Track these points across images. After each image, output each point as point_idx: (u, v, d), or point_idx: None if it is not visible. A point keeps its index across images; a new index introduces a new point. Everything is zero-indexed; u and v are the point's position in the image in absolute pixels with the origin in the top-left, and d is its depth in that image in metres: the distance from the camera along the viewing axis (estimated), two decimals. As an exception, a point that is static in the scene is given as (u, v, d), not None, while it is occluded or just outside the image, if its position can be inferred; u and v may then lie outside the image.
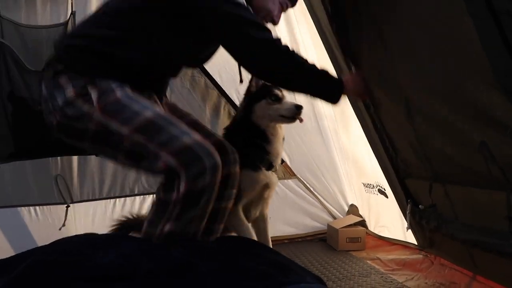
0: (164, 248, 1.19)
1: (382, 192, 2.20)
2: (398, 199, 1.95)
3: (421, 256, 2.02)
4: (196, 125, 1.52)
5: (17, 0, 2.17)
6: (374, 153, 2.00)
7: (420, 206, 1.50)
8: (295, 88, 1.46)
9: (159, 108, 1.37)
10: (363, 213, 2.65)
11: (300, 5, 2.24)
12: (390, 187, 2.02)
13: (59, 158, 2.30)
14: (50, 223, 2.34)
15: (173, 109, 1.57)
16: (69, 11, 2.17)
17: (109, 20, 1.35)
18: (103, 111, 1.27)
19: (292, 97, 1.83)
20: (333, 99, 1.41)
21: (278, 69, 1.36)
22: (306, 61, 1.37)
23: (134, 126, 1.26)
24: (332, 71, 2.07)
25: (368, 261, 2.18)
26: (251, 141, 1.72)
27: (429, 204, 1.41)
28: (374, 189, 2.36)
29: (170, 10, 1.33)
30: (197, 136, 1.29)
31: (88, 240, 1.31)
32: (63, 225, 2.31)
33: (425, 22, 1.15)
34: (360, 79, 1.50)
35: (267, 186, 1.77)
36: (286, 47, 1.36)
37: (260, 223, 1.85)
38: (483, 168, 1.16)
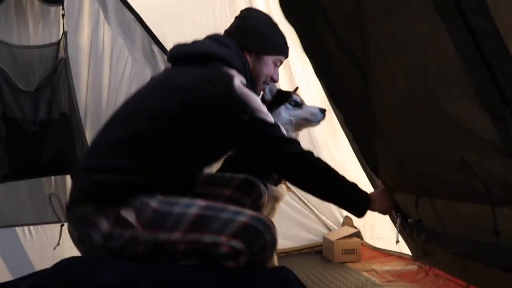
0: (165, 266, 1.20)
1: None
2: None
3: (416, 267, 2.03)
4: (214, 177, 1.57)
5: (9, 21, 2.18)
6: (361, 166, 2.01)
7: (409, 220, 1.50)
8: (320, 195, 1.47)
9: (199, 199, 1.30)
10: (357, 224, 2.65)
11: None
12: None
13: (52, 177, 2.29)
14: (44, 242, 2.32)
15: (206, 180, 1.58)
16: (61, 31, 2.20)
17: (128, 149, 1.28)
18: (146, 228, 1.21)
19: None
20: (358, 214, 1.43)
21: (306, 180, 1.39)
22: (334, 173, 1.38)
23: (184, 228, 1.21)
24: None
25: (364, 273, 2.18)
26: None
27: (416, 218, 1.42)
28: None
29: (202, 123, 1.31)
30: (249, 212, 1.27)
31: (90, 260, 1.30)
32: (58, 244, 2.29)
33: (403, 42, 1.17)
34: (388, 196, 1.48)
35: (275, 198, 1.80)
36: (315, 158, 1.37)
37: None
38: (466, 183, 1.17)
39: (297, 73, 2.53)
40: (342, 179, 1.39)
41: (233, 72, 1.36)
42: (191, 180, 1.44)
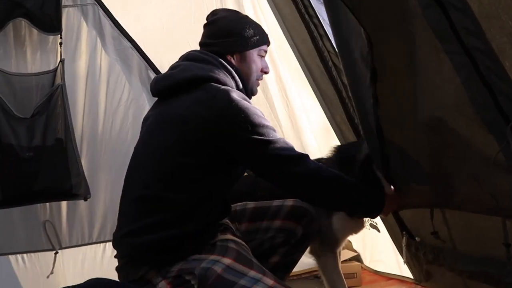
0: None
1: (374, 226, 2.20)
2: (391, 232, 1.94)
3: (418, 290, 1.99)
4: (256, 211, 1.52)
5: (7, 50, 2.20)
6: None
7: (416, 238, 1.50)
8: (337, 208, 1.48)
9: (269, 277, 1.25)
10: (357, 247, 2.62)
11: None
12: (382, 220, 2.02)
13: (47, 203, 2.26)
14: (38, 271, 2.26)
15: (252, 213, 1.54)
16: (58, 59, 2.21)
17: (155, 202, 1.29)
18: None
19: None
20: (374, 215, 1.45)
21: (320, 197, 1.37)
22: (347, 182, 1.36)
23: None
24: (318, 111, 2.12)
25: (365, 298, 2.14)
26: None
27: (431, 231, 1.40)
28: (365, 224, 2.36)
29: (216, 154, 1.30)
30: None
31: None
32: (51, 272, 2.24)
33: (405, 61, 1.20)
34: (397, 199, 1.45)
35: None
36: (326, 173, 1.34)
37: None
38: (475, 198, 1.17)
39: (295, 103, 2.56)
40: (356, 186, 1.36)
41: (225, 87, 1.32)
42: (224, 205, 1.42)
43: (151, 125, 1.41)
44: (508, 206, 1.05)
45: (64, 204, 2.29)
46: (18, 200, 2.10)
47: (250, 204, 1.53)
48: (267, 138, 1.28)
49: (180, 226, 1.26)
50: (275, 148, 1.28)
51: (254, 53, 1.46)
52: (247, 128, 1.26)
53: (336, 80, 1.84)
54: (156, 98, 1.51)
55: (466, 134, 1.04)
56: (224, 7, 2.37)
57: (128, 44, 2.39)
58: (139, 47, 2.41)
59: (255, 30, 1.47)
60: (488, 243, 1.16)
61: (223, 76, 1.36)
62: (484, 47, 0.91)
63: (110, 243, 2.42)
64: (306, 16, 1.86)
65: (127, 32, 2.39)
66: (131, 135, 2.37)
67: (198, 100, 1.30)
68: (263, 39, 1.49)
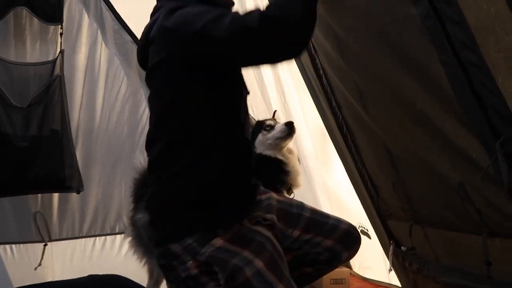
0: None
1: (364, 233, 2.20)
2: (381, 240, 1.95)
3: (405, 298, 1.99)
4: (312, 222, 1.43)
5: (7, 38, 2.19)
6: (356, 192, 2.02)
7: (402, 247, 1.50)
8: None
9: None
10: (347, 253, 2.62)
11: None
12: (373, 227, 2.02)
13: (39, 194, 2.25)
14: (26, 262, 2.25)
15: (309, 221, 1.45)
16: (58, 49, 2.21)
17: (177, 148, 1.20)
18: None
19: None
20: None
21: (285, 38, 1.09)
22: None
23: None
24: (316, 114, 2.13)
25: (352, 304, 2.14)
26: (269, 170, 1.79)
27: (409, 246, 1.42)
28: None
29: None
30: None
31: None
32: (39, 264, 2.22)
33: (403, 69, 1.21)
34: None
35: None
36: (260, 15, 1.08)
37: None
38: (460, 210, 1.18)
39: (293, 103, 2.56)
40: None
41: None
42: (242, 139, 1.28)
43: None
44: (491, 223, 1.05)
45: (56, 196, 2.28)
46: (11, 190, 2.09)
47: (307, 212, 1.46)
48: (208, 19, 1.12)
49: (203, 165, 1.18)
50: (221, 25, 1.10)
51: None
52: (184, 27, 1.14)
53: (327, 88, 1.85)
54: None
55: (460, 142, 1.05)
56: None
57: (129, 38, 2.38)
58: (140, 42, 2.40)
59: None
60: (470, 261, 1.16)
61: None
62: (478, 61, 0.92)
63: (100, 237, 2.43)
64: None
65: (128, 26, 2.38)
66: (127, 129, 2.37)
67: (153, 22, 1.25)
68: None
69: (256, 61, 1.22)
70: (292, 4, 1.07)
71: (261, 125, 1.88)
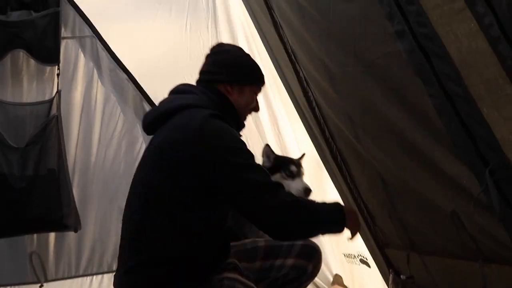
0: None
1: (364, 262, 2.19)
2: (380, 269, 1.94)
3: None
4: (269, 249, 1.52)
5: (4, 79, 2.22)
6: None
7: (401, 276, 1.51)
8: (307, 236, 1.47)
9: None
10: (347, 283, 2.59)
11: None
12: (372, 256, 2.02)
13: (35, 234, 2.23)
14: (21, 304, 2.21)
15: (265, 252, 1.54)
16: (55, 89, 2.24)
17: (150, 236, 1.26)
18: None
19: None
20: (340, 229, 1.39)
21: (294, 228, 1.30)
22: (313, 204, 1.36)
23: None
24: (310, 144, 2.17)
25: (355, 335, 2.10)
26: None
27: (408, 274, 1.43)
28: (356, 259, 2.35)
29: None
30: None
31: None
32: (35, 306, 2.18)
33: (392, 100, 1.26)
34: (355, 214, 1.47)
35: None
36: (298, 201, 1.32)
37: None
38: (455, 237, 1.19)
39: (284, 127, 2.60)
40: (321, 208, 1.34)
41: (203, 110, 1.31)
42: (222, 241, 1.40)
43: (142, 163, 1.41)
44: (487, 249, 1.07)
45: (52, 234, 2.26)
46: (8, 231, 2.07)
47: (261, 243, 1.54)
48: (243, 162, 1.25)
49: (176, 262, 1.25)
50: (251, 174, 1.24)
51: (251, 88, 1.50)
52: (221, 150, 1.23)
53: (319, 119, 1.89)
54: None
55: (451, 170, 1.08)
56: (220, 42, 2.46)
57: (124, 76, 2.43)
58: (135, 79, 2.44)
59: (256, 68, 1.53)
60: (469, 286, 1.17)
61: (205, 103, 1.36)
62: (463, 93, 0.97)
63: (97, 276, 2.39)
64: (293, 57, 1.93)
65: (123, 64, 2.43)
66: (124, 166, 2.38)
67: (175, 125, 1.30)
68: (261, 78, 1.54)
69: (259, 217, 1.30)
70: (314, 224, 1.31)
71: (283, 166, 1.78)
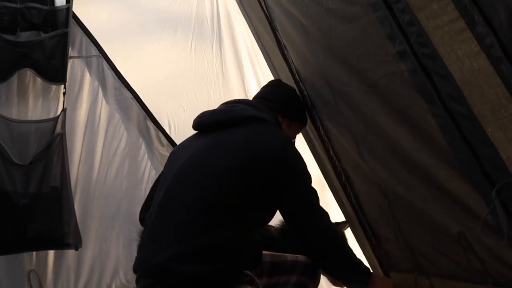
0: None
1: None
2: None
3: None
4: (274, 265, 1.55)
5: (10, 97, 2.25)
6: (357, 242, 1.99)
7: (406, 301, 1.48)
8: (326, 267, 1.54)
9: None
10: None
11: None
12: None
13: (34, 252, 2.21)
14: (17, 325, 2.17)
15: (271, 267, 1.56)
16: (60, 107, 2.26)
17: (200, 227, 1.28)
18: None
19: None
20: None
21: (328, 256, 1.43)
22: (348, 250, 1.45)
23: None
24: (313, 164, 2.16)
25: None
26: None
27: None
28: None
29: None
30: None
31: None
32: (32, 327, 2.14)
33: (395, 120, 1.25)
34: (389, 282, 1.54)
35: None
36: (337, 234, 1.46)
37: None
38: (463, 259, 1.17)
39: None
40: (353, 258, 1.43)
41: (284, 132, 1.47)
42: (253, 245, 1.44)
43: (199, 152, 1.40)
44: (495, 273, 1.04)
45: (51, 253, 2.24)
46: (8, 248, 2.06)
47: (266, 257, 1.54)
48: (309, 189, 1.39)
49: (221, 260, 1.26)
50: (313, 200, 1.39)
51: (297, 126, 1.70)
52: (295, 175, 1.37)
53: (324, 137, 1.89)
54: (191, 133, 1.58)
55: (457, 190, 1.07)
56: (223, 64, 2.50)
57: (129, 94, 2.46)
58: (140, 98, 2.47)
59: (304, 109, 1.75)
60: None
61: (276, 123, 1.52)
62: (467, 112, 0.96)
63: (96, 296, 2.36)
64: (297, 77, 1.94)
65: (128, 83, 2.46)
66: (126, 184, 2.37)
67: (257, 132, 1.39)
68: (306, 120, 1.75)
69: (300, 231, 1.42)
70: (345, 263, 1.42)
71: None
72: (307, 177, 1.42)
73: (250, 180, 1.31)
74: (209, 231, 1.25)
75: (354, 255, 1.44)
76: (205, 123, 1.50)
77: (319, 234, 1.38)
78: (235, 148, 1.34)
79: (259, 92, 1.69)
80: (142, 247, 1.39)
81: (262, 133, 1.39)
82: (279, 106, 1.59)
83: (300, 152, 2.26)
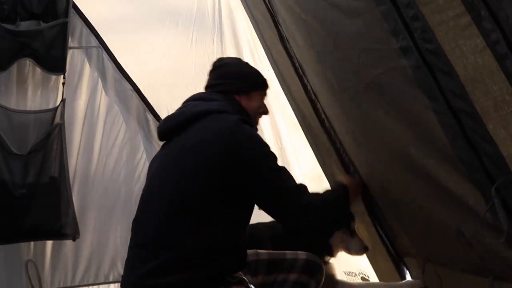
0: None
1: (365, 279, 2.16)
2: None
3: None
4: (271, 263, 1.53)
5: (9, 87, 2.24)
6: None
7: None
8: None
9: None
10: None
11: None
12: (376, 274, 1.99)
13: (32, 242, 2.21)
14: (14, 314, 2.17)
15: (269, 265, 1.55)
16: (59, 98, 2.25)
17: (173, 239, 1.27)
18: None
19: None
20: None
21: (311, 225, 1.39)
22: (327, 202, 1.45)
23: None
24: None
25: None
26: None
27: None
28: (357, 277, 2.31)
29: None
30: None
31: None
32: (29, 316, 2.14)
33: (396, 117, 1.25)
34: (356, 184, 1.60)
35: None
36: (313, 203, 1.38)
37: None
38: (464, 255, 1.17)
39: (287, 146, 2.60)
40: (332, 203, 1.46)
41: (237, 116, 1.41)
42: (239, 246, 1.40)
43: (163, 164, 1.42)
44: (495, 267, 1.05)
45: (49, 243, 2.24)
46: (6, 238, 2.05)
47: (263, 255, 1.54)
48: (271, 170, 1.34)
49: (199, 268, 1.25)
50: (277, 182, 1.33)
51: (257, 94, 1.60)
52: (249, 158, 1.32)
53: (329, 130, 1.89)
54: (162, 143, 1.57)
55: (456, 188, 1.06)
56: (225, 55, 2.48)
57: (129, 86, 2.45)
58: (139, 89, 2.46)
59: (257, 74, 1.64)
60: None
61: (230, 109, 1.46)
62: (469, 108, 0.96)
63: (93, 287, 2.35)
64: (300, 71, 1.94)
65: (128, 75, 2.45)
66: (124, 175, 2.37)
67: (206, 128, 1.37)
68: (264, 83, 1.64)
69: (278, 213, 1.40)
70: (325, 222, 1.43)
71: (347, 222, 1.78)
72: (265, 158, 1.35)
73: (212, 178, 1.29)
74: (183, 241, 1.26)
75: (332, 201, 1.45)
76: (163, 132, 1.52)
77: (296, 216, 1.33)
78: (191, 151, 1.34)
79: (207, 81, 1.63)
80: (124, 265, 1.41)
81: (211, 125, 1.37)
82: (229, 86, 1.54)
83: (293, 149, 2.23)
